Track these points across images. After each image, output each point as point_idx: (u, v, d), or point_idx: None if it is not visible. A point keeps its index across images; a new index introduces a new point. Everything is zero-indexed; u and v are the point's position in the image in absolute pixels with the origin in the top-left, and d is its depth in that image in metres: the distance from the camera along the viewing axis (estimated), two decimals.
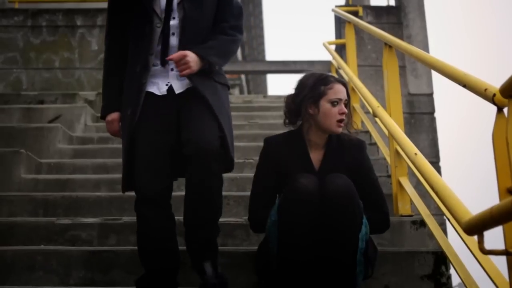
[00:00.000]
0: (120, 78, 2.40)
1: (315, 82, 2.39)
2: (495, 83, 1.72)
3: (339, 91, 2.37)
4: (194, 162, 2.20)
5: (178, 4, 2.32)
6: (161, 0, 2.32)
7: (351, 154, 2.42)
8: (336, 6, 6.63)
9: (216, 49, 2.35)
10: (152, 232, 2.28)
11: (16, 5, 7.00)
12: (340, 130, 2.37)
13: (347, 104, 2.41)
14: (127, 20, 2.38)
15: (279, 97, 6.77)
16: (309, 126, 2.41)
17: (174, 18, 2.32)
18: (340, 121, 2.35)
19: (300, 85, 2.43)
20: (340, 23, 6.81)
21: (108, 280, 2.55)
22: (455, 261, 2.36)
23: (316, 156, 2.42)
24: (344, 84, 2.42)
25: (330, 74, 2.49)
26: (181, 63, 2.22)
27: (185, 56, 2.22)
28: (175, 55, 2.23)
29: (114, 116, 2.40)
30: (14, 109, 5.03)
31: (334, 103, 2.35)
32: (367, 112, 4.76)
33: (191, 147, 2.19)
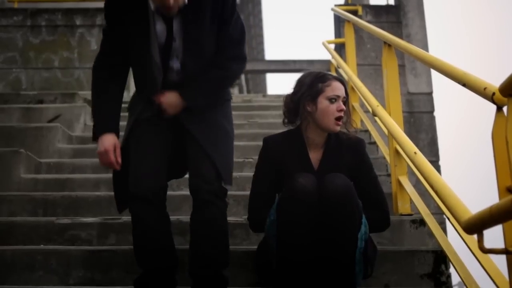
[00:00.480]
0: (113, 99, 2.35)
1: (313, 80, 2.39)
2: (495, 82, 1.73)
3: (336, 88, 2.37)
4: (194, 199, 2.25)
5: (177, 54, 2.26)
6: (160, 38, 2.23)
7: (351, 153, 2.42)
8: (336, 5, 6.62)
9: (203, 90, 2.29)
10: (147, 231, 2.26)
11: (16, 5, 7.00)
12: (338, 128, 2.37)
13: (346, 102, 2.41)
14: (123, 51, 2.30)
15: (278, 96, 6.76)
16: (307, 124, 2.42)
17: (174, 65, 2.28)
18: (338, 118, 2.35)
19: (298, 84, 2.44)
20: (339, 22, 6.81)
21: (107, 279, 2.55)
22: (455, 260, 2.36)
23: (315, 156, 2.42)
24: (342, 81, 2.42)
25: (328, 72, 2.49)
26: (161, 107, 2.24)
27: (160, 104, 2.23)
28: (156, 98, 2.23)
29: (107, 144, 2.22)
30: (13, 108, 5.02)
31: (332, 100, 2.35)
32: (366, 111, 4.77)
33: (193, 184, 2.25)
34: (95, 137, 2.29)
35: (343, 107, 2.37)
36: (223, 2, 2.24)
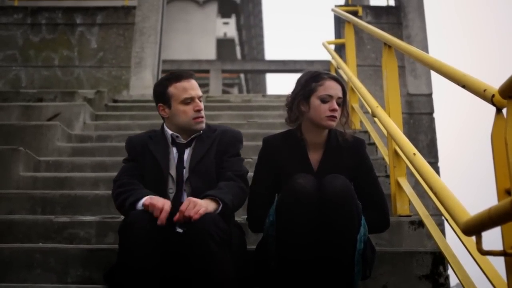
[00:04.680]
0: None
1: (307, 79, 2.39)
2: (495, 83, 1.73)
3: (330, 88, 2.35)
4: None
5: (186, 180, 2.39)
6: (171, 165, 2.42)
7: (351, 153, 2.41)
8: (336, 6, 6.64)
9: (227, 190, 2.29)
10: None
11: (16, 3, 7.00)
12: (332, 124, 2.35)
13: (343, 102, 2.39)
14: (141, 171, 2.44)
15: (278, 96, 6.77)
16: (303, 123, 2.42)
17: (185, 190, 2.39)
18: (330, 117, 2.34)
19: (296, 83, 2.44)
20: (339, 23, 6.82)
21: None
22: (453, 262, 2.36)
23: (314, 157, 2.42)
24: (339, 81, 2.40)
25: (325, 71, 2.47)
26: (189, 209, 2.13)
27: (189, 202, 2.16)
28: (182, 207, 2.15)
29: (166, 201, 2.19)
30: (13, 106, 5.02)
31: (324, 99, 2.34)
32: (366, 112, 4.76)
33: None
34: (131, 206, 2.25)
35: (335, 107, 2.34)
36: (225, 150, 2.49)
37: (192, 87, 2.45)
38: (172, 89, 2.44)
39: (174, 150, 2.46)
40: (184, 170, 2.42)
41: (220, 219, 2.15)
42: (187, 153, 2.46)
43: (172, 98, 2.44)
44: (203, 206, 2.14)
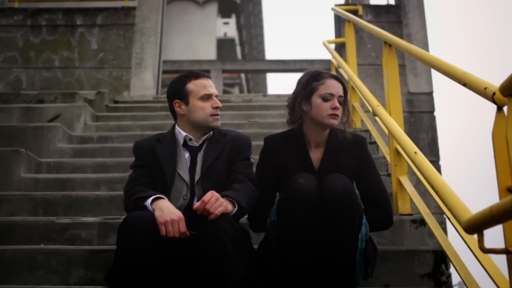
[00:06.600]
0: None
1: (308, 78, 2.40)
2: (495, 81, 1.72)
3: (331, 86, 2.36)
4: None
5: (197, 182, 2.37)
6: (183, 169, 2.39)
7: (352, 151, 2.41)
8: (336, 5, 6.63)
9: (243, 193, 2.27)
10: None
11: (16, 4, 7.01)
12: (334, 122, 2.35)
13: (344, 101, 2.40)
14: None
15: (279, 96, 6.78)
16: (305, 123, 2.42)
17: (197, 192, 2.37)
18: (333, 115, 2.34)
19: (297, 83, 2.45)
20: (340, 22, 6.82)
21: None
22: (455, 260, 2.36)
23: (316, 155, 2.42)
24: (340, 80, 2.41)
25: (326, 70, 2.48)
26: (211, 203, 2.10)
27: (212, 195, 2.13)
28: (206, 197, 2.12)
29: (178, 212, 2.14)
30: (13, 108, 5.02)
31: (325, 98, 2.35)
32: (367, 111, 4.77)
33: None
34: (138, 203, 2.22)
35: (337, 105, 2.35)
36: (236, 154, 2.45)
37: (210, 85, 2.48)
38: (191, 85, 2.44)
39: (187, 154, 2.43)
40: (196, 173, 2.39)
41: (235, 221, 2.18)
42: (199, 156, 2.43)
43: (191, 94, 2.44)
44: (223, 204, 2.12)
